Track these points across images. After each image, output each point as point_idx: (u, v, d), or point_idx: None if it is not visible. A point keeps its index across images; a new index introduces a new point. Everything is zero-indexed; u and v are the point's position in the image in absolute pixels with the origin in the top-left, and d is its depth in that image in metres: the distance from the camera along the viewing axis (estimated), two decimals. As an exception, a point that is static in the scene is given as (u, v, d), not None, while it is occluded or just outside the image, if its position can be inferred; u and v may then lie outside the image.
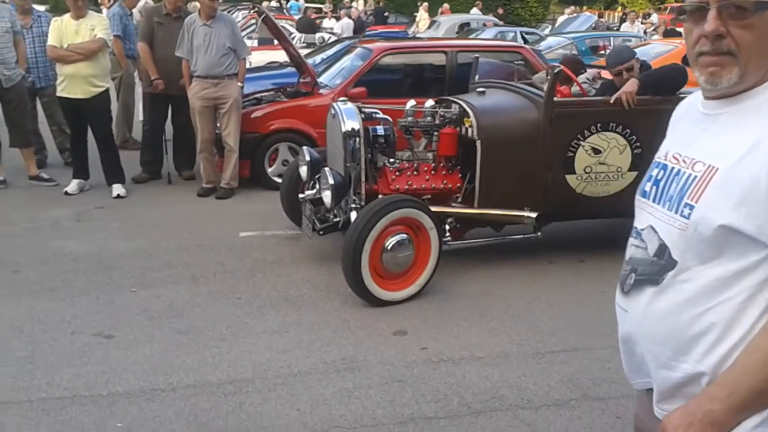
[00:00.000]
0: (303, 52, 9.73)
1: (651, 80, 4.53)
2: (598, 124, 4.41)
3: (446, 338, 3.72)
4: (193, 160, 7.04)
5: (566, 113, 4.43)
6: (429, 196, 4.51)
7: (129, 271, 4.62)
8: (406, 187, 4.45)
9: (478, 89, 4.86)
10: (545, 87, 4.51)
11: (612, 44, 13.42)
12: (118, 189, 6.36)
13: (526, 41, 14.06)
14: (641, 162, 4.49)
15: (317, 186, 4.57)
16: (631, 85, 4.48)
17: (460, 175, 4.60)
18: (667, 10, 33.19)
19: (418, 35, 17.27)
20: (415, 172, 4.52)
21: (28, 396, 3.14)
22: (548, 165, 4.44)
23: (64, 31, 6.02)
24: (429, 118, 4.64)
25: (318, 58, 9.61)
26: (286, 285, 4.41)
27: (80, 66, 5.97)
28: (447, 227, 4.42)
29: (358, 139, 4.33)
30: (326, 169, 4.41)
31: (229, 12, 15.41)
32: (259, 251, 5.00)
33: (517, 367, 3.43)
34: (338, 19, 19.06)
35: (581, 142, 4.42)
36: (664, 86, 4.47)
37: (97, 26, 6.06)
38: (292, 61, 7.50)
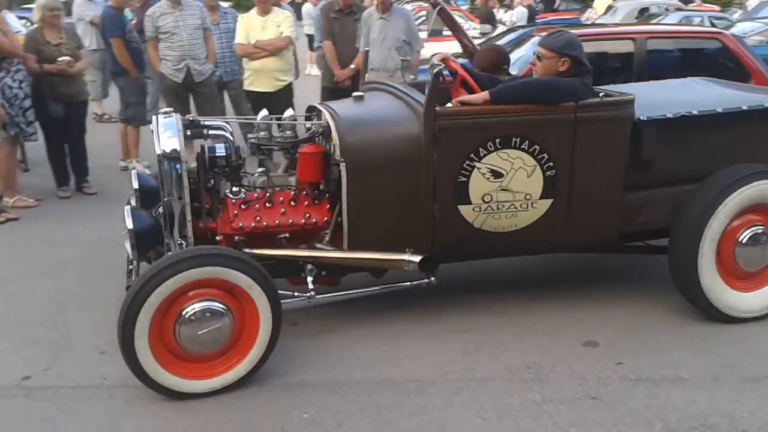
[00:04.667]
0: (475, 42, 9.55)
1: (502, 96, 3.46)
2: (497, 140, 3.36)
3: (644, 354, 3.40)
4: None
5: (454, 126, 3.36)
6: (286, 235, 3.53)
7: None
8: (253, 224, 3.46)
9: (356, 93, 3.85)
10: (426, 90, 3.35)
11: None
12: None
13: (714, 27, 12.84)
14: (556, 187, 3.49)
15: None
16: (477, 97, 3.50)
17: (328, 206, 3.57)
18: None
19: (594, 22, 16.46)
20: (267, 204, 3.53)
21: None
22: (435, 194, 3.43)
23: (251, 27, 6.30)
24: (288, 132, 3.61)
25: (490, 49, 9.37)
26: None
27: (267, 61, 6.23)
28: (309, 277, 3.44)
29: (179, 163, 3.31)
30: (127, 208, 3.47)
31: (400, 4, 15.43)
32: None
33: (729, 393, 3.04)
34: (510, 8, 18.67)
35: (476, 164, 3.39)
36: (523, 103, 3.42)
37: (282, 23, 6.29)
38: (465, 52, 7.35)
